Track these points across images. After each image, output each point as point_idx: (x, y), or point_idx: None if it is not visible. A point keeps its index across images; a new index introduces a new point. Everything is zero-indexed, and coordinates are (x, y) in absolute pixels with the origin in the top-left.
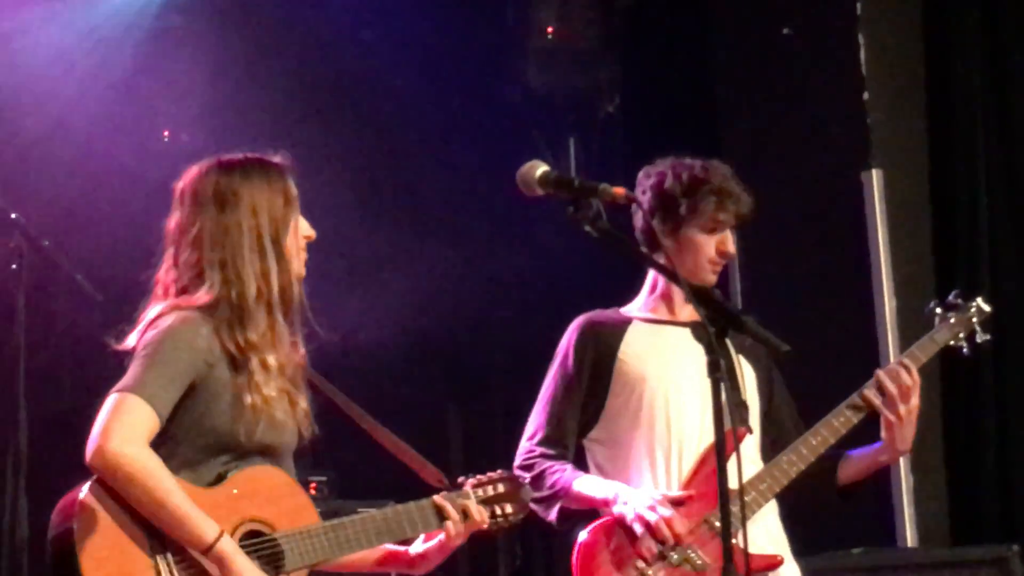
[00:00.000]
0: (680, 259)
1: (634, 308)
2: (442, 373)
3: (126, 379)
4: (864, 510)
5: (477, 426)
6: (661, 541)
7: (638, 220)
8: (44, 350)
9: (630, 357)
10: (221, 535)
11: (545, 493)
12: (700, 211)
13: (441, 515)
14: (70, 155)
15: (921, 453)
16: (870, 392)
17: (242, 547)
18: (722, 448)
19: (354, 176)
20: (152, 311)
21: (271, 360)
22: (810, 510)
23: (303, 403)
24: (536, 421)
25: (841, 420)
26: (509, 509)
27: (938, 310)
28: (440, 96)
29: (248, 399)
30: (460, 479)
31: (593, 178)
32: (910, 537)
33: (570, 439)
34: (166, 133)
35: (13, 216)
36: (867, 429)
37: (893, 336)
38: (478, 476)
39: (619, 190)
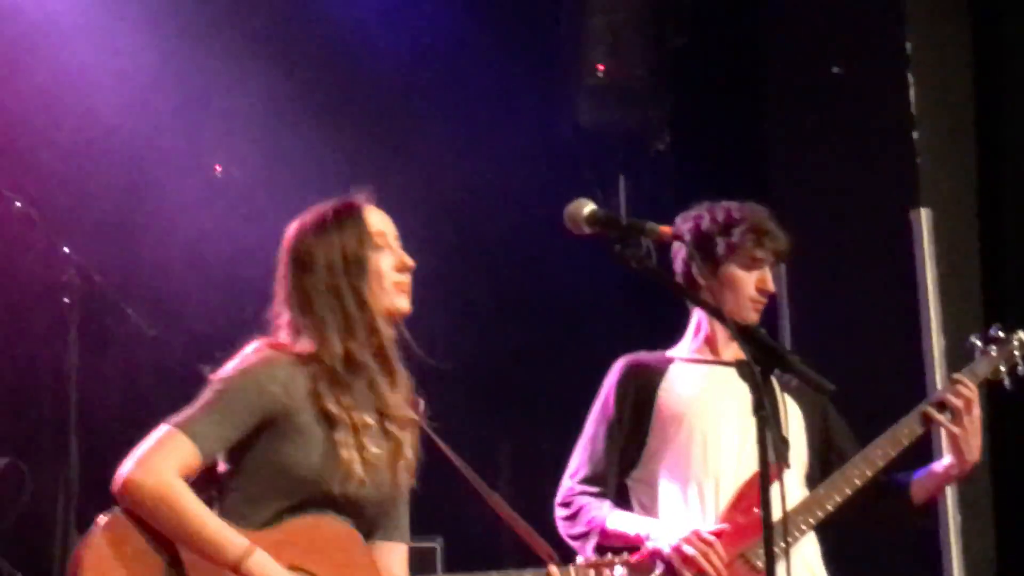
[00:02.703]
0: (721, 298)
1: (678, 350)
2: (491, 405)
3: (186, 410)
4: (910, 547)
5: (526, 460)
6: (699, 572)
7: (677, 264)
8: (96, 384)
9: (669, 396)
10: (252, 550)
11: (582, 529)
12: (738, 248)
13: None
14: (123, 187)
15: (969, 491)
16: (931, 410)
17: None
18: (767, 483)
19: (404, 211)
20: (251, 346)
21: (365, 419)
22: (884, 535)
23: (409, 454)
24: (577, 460)
25: (879, 454)
26: None
27: (979, 343)
28: (491, 133)
29: (344, 453)
30: (577, 560)
31: (643, 216)
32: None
33: (610, 478)
34: (218, 168)
35: (66, 250)
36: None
37: (941, 374)
38: (595, 557)
39: (666, 229)
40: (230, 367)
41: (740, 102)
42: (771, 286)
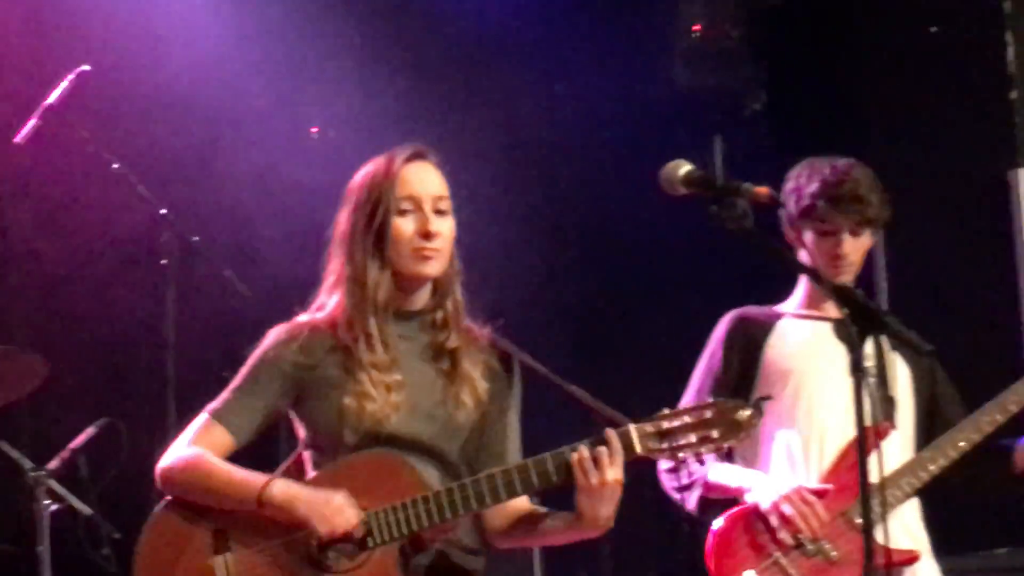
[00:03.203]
0: (813, 261)
1: (786, 305)
2: (584, 357)
3: (219, 398)
4: (1010, 511)
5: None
6: (797, 533)
7: (782, 221)
8: (193, 344)
9: (776, 351)
10: (268, 483)
11: (684, 482)
12: (814, 216)
13: (568, 468)
14: (220, 152)
15: None
16: None
17: None
18: (863, 442)
19: (499, 172)
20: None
21: (365, 358)
22: (984, 502)
23: (476, 385)
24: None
25: (987, 420)
26: (715, 434)
27: None
28: (587, 94)
29: (347, 400)
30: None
31: (739, 177)
32: None
33: None
34: (314, 129)
35: (163, 212)
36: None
37: None
38: (667, 409)
39: (762, 189)
40: (253, 354)
41: (836, 61)
42: (845, 251)
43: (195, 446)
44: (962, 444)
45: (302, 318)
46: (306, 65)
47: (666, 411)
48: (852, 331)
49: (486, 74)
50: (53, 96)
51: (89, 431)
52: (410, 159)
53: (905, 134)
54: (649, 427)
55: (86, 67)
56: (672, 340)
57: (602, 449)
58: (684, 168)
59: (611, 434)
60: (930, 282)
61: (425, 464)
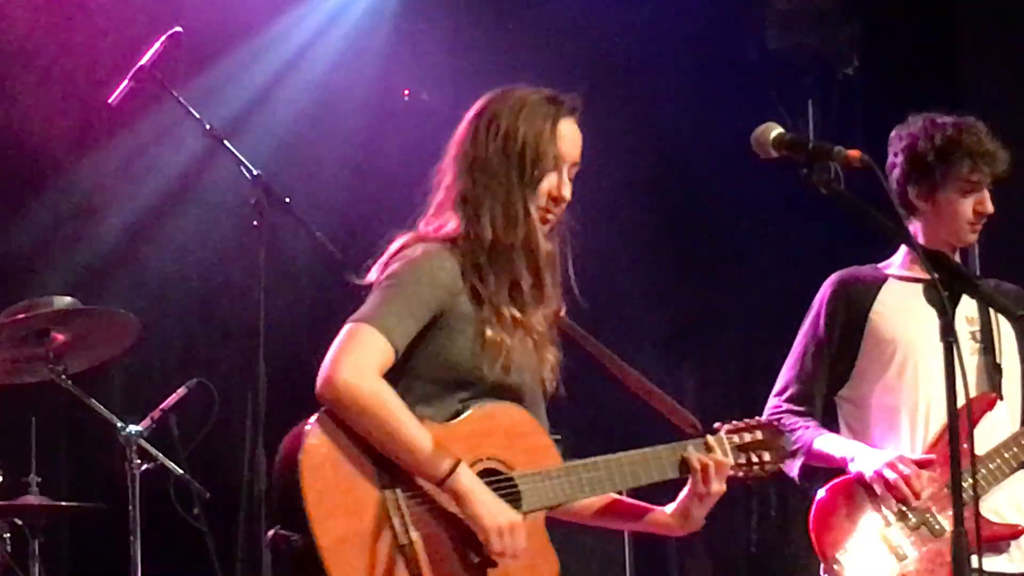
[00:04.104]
0: (937, 222)
1: (891, 265)
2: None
3: (363, 309)
4: None
5: (712, 379)
6: (901, 500)
7: (893, 183)
8: (283, 306)
9: (882, 317)
10: (458, 465)
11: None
12: (955, 174)
13: (686, 464)
14: (312, 112)
15: None
16: None
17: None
18: (953, 411)
19: (595, 138)
20: (397, 243)
21: (505, 312)
22: None
23: (551, 356)
24: (785, 377)
25: None
26: (767, 457)
27: None
28: (679, 59)
29: (490, 333)
30: (716, 425)
31: (832, 140)
32: None
33: (818, 397)
34: (406, 92)
35: (256, 172)
36: None
37: None
38: (734, 422)
39: (854, 153)
40: (396, 266)
41: (930, 25)
42: (990, 207)
43: (370, 362)
44: None
45: (433, 243)
46: (399, 24)
47: (740, 423)
48: (943, 296)
49: (583, 40)
50: (146, 58)
51: (180, 391)
52: (571, 114)
53: (1002, 96)
54: (736, 438)
55: (178, 28)
56: (768, 307)
57: (722, 459)
58: (775, 131)
59: (716, 443)
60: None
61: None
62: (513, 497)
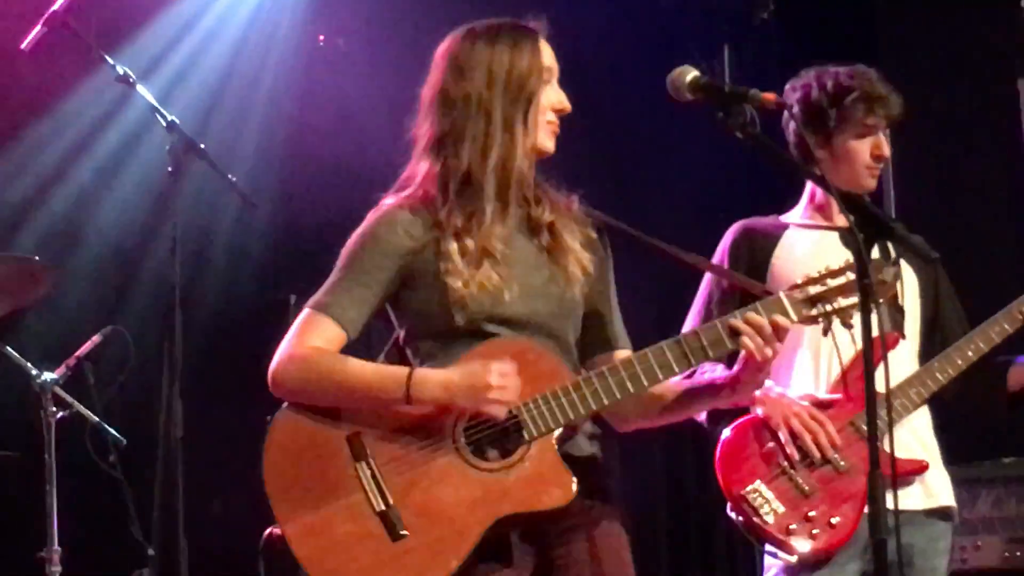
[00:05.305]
0: (836, 168)
1: (792, 215)
2: None
3: (320, 292)
4: (1018, 420)
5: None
6: (805, 449)
7: (790, 134)
8: (199, 255)
9: (784, 262)
10: (411, 374)
11: None
12: (850, 118)
13: (734, 330)
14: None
15: None
16: None
17: (476, 426)
18: (869, 352)
19: None
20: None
21: (469, 244)
22: (973, 417)
23: (576, 268)
24: (691, 321)
25: (996, 330)
26: (841, 304)
27: None
28: (594, 4)
29: (450, 281)
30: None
31: (748, 85)
32: None
33: None
34: (321, 38)
35: (170, 118)
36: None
37: None
38: (806, 274)
39: (769, 96)
40: (351, 241)
41: None
42: (886, 151)
43: (310, 342)
44: (970, 354)
45: (389, 200)
46: None
47: (812, 274)
48: (859, 238)
49: None
50: (58, 3)
51: (95, 338)
52: (540, 34)
53: (915, 42)
54: (798, 294)
55: None
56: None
57: (778, 317)
58: (691, 74)
59: (767, 306)
60: (939, 190)
61: (545, 346)
62: (515, 428)
